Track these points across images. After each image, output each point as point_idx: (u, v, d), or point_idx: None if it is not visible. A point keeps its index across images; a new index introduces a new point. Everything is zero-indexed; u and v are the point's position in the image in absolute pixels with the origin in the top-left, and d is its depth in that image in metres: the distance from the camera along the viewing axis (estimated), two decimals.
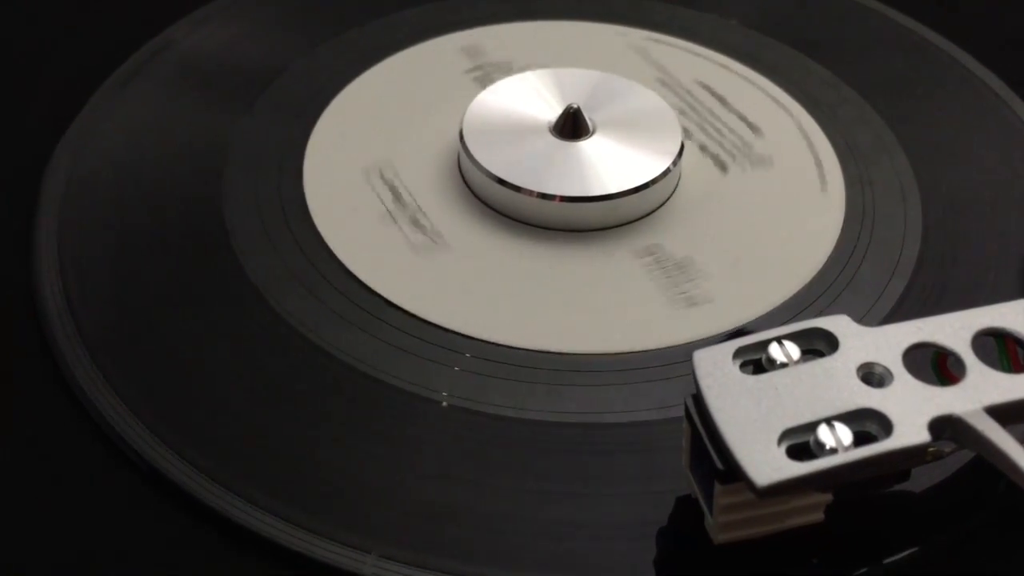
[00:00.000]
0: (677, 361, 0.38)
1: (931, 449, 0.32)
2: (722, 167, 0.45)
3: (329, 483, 0.35)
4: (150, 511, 0.35)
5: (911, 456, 0.31)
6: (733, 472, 0.31)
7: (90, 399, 0.37)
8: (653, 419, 0.37)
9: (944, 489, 0.35)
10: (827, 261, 0.42)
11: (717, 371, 0.32)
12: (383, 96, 0.47)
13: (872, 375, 0.32)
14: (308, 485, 0.35)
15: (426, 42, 0.50)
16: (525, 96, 0.45)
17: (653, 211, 0.43)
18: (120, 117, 0.46)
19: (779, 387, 0.32)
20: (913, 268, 0.42)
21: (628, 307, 0.40)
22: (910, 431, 0.31)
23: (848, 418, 0.31)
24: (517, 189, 0.42)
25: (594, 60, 0.48)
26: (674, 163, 0.43)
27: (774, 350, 0.33)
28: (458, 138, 0.44)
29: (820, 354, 0.33)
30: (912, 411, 0.31)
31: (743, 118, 0.47)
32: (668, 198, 0.44)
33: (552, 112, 0.44)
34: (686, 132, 0.44)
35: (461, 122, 0.44)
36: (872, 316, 0.40)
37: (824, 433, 0.31)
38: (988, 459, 0.31)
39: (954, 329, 0.33)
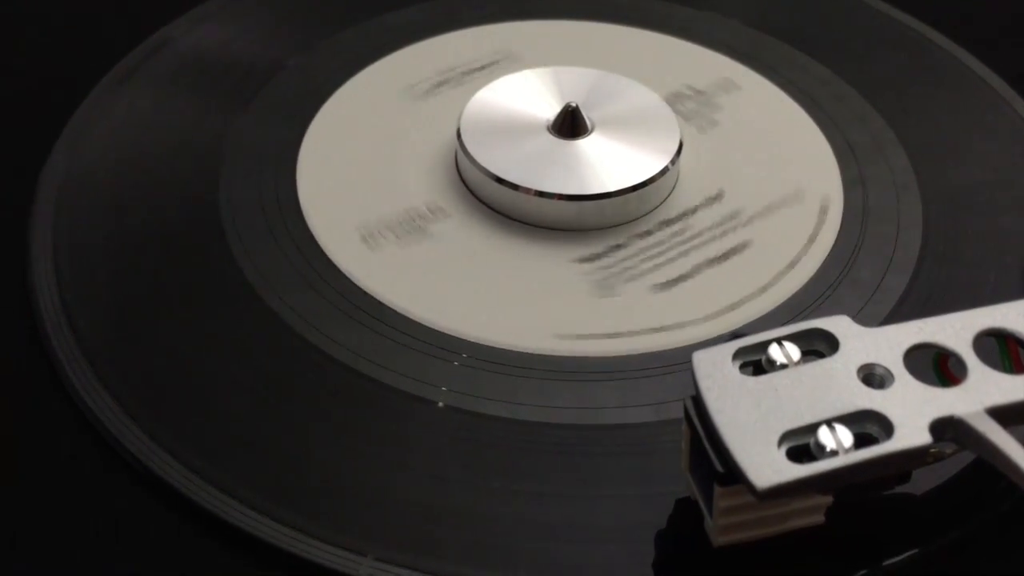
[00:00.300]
0: (675, 363, 0.38)
1: (932, 451, 0.32)
2: (720, 166, 0.45)
3: (324, 485, 0.35)
4: (144, 513, 0.35)
5: (912, 458, 0.31)
6: (733, 474, 0.31)
7: (84, 399, 0.37)
8: (651, 420, 0.37)
9: (945, 491, 0.35)
10: (826, 260, 0.42)
11: (717, 372, 0.32)
12: (379, 94, 0.47)
13: (873, 376, 0.32)
14: (303, 487, 0.35)
15: (422, 41, 0.49)
16: (523, 94, 0.45)
17: (652, 210, 0.43)
18: (117, 115, 0.46)
19: (779, 388, 0.32)
20: (913, 267, 0.42)
21: (625, 308, 0.40)
22: (911, 433, 0.31)
23: (849, 420, 0.31)
24: (515, 187, 0.42)
25: (593, 59, 0.48)
26: (672, 161, 0.43)
27: (774, 351, 0.32)
28: (456, 136, 0.43)
29: (820, 355, 0.33)
30: (913, 412, 0.31)
31: (742, 116, 0.47)
32: (667, 197, 0.43)
33: (550, 110, 0.44)
34: (684, 131, 0.44)
35: (459, 120, 0.44)
36: (872, 316, 0.40)
37: (824, 435, 0.31)
38: (989, 461, 0.31)
39: (955, 330, 0.33)
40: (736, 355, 0.32)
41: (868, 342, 0.33)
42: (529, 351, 0.39)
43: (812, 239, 0.42)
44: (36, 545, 0.34)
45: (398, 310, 0.40)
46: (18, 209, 0.43)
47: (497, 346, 0.39)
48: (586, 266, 0.41)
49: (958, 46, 0.51)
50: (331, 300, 0.40)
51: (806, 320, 0.34)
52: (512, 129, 0.44)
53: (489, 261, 0.41)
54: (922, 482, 0.35)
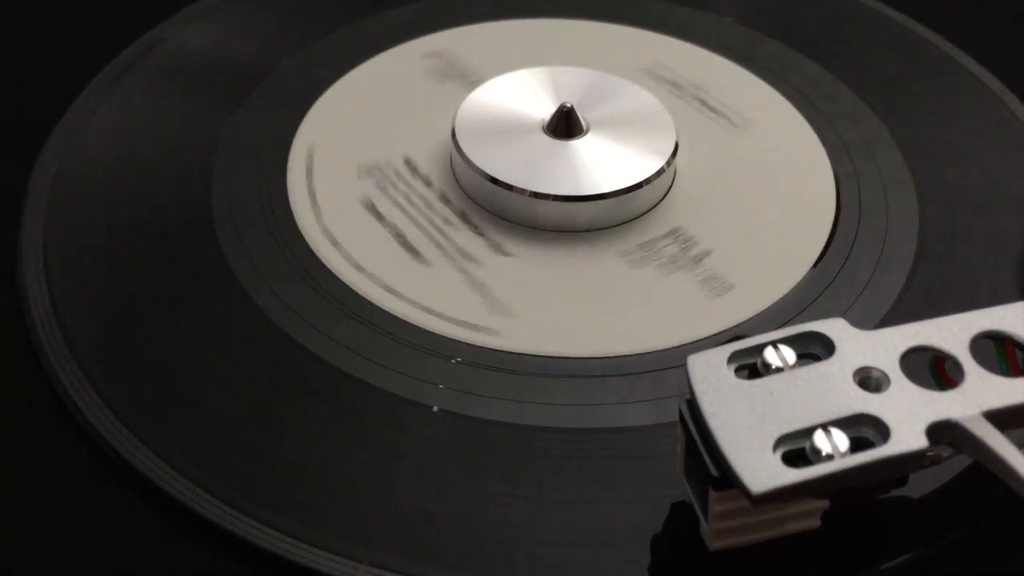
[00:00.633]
0: (673, 364, 0.38)
1: (929, 454, 0.31)
2: (716, 167, 0.45)
3: (319, 490, 0.35)
4: (137, 519, 0.35)
5: (909, 462, 0.31)
6: (728, 479, 0.30)
7: (75, 402, 0.37)
8: (648, 423, 0.37)
9: (942, 494, 0.35)
10: (822, 261, 0.42)
11: (712, 376, 0.32)
12: (372, 94, 0.47)
13: (869, 379, 0.32)
14: (297, 492, 0.35)
15: (416, 40, 0.49)
16: (518, 94, 0.45)
17: (647, 211, 0.43)
18: (108, 115, 0.46)
19: (774, 392, 0.31)
20: (909, 268, 0.42)
21: (622, 309, 0.40)
22: (908, 437, 0.30)
23: (845, 423, 0.31)
24: (509, 188, 0.42)
25: (588, 58, 0.48)
26: (668, 163, 0.43)
27: (769, 354, 0.32)
28: (450, 136, 0.43)
29: (816, 358, 0.32)
30: (910, 416, 0.31)
31: (738, 116, 0.47)
32: (662, 198, 0.43)
33: (545, 111, 0.44)
34: (680, 131, 0.44)
35: (453, 120, 0.44)
36: (868, 317, 0.40)
37: (820, 439, 0.31)
38: (986, 465, 0.31)
39: (952, 332, 0.33)
40: (731, 358, 0.32)
41: (864, 345, 0.32)
42: (524, 353, 0.38)
43: (807, 239, 0.42)
44: (25, 547, 0.34)
45: (391, 312, 0.39)
46: (9, 208, 0.42)
47: (492, 349, 0.39)
48: (582, 266, 0.41)
49: (953, 45, 0.50)
50: (323, 302, 0.40)
51: (802, 323, 0.33)
52: (507, 129, 0.43)
53: (483, 262, 0.41)
54: (919, 485, 0.35)
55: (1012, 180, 0.45)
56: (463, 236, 0.42)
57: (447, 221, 0.42)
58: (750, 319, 0.40)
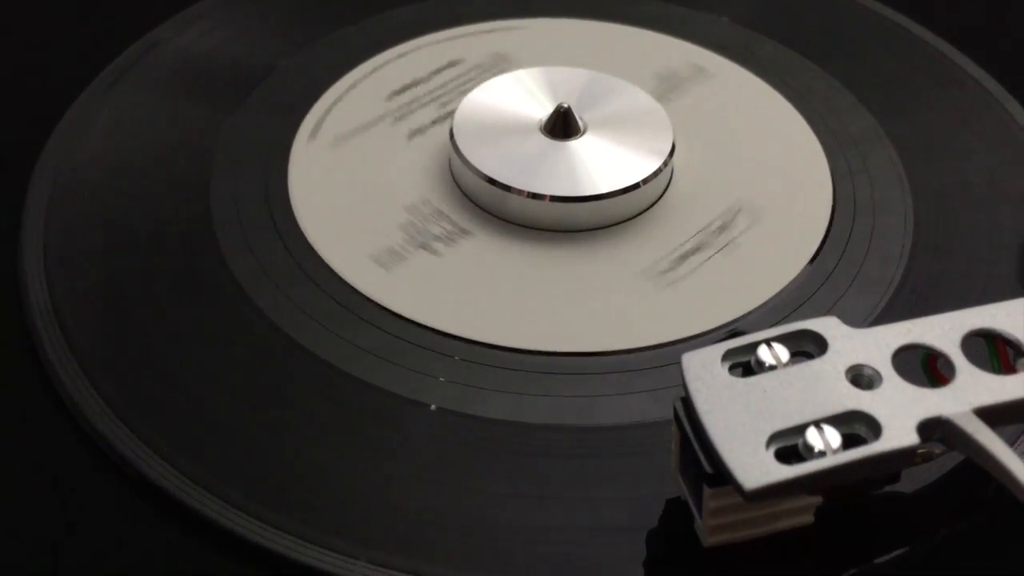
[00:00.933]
0: (669, 363, 0.38)
1: (920, 451, 0.32)
2: (712, 167, 0.45)
3: (316, 487, 0.35)
4: (134, 516, 0.35)
5: (900, 458, 0.31)
6: (722, 475, 0.31)
7: (75, 401, 0.37)
8: (644, 421, 0.37)
9: (934, 490, 0.35)
10: (817, 258, 0.42)
11: (706, 374, 0.32)
12: (370, 95, 0.47)
13: (861, 377, 0.32)
14: (295, 489, 0.35)
15: (414, 40, 0.49)
16: (516, 95, 0.45)
17: (644, 211, 0.43)
18: (107, 117, 0.46)
19: (767, 390, 0.32)
20: (904, 265, 0.42)
21: (619, 307, 0.40)
22: (899, 433, 0.31)
23: (837, 420, 0.31)
24: (507, 189, 0.42)
25: (586, 58, 0.48)
26: (665, 163, 0.43)
27: (763, 352, 0.32)
28: (448, 137, 0.43)
29: (809, 356, 0.33)
30: (901, 413, 0.31)
31: (733, 115, 0.47)
32: (659, 197, 0.43)
33: (543, 111, 0.44)
34: (677, 130, 0.44)
35: (451, 121, 0.44)
36: (862, 314, 0.40)
37: (812, 436, 0.31)
38: (976, 461, 0.31)
39: (944, 330, 0.33)
40: (725, 356, 0.33)
41: (857, 343, 0.33)
42: (522, 351, 0.39)
43: (803, 235, 0.42)
44: (25, 548, 0.34)
45: (390, 310, 0.40)
46: (9, 210, 0.43)
47: (490, 346, 0.39)
48: (578, 266, 0.41)
49: (948, 44, 0.51)
50: (323, 301, 0.40)
51: (795, 321, 0.34)
52: (504, 130, 0.44)
53: (481, 262, 0.41)
54: (912, 482, 0.35)
55: (1007, 178, 0.45)
56: (462, 236, 0.42)
57: (447, 221, 0.42)
58: (746, 315, 0.40)
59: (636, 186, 0.42)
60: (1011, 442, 0.36)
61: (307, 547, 0.34)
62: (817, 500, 0.33)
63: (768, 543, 0.33)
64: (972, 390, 0.32)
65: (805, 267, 0.41)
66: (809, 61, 0.49)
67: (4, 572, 0.34)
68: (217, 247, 0.41)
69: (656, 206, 0.43)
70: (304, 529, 0.34)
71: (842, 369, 0.32)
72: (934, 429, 0.31)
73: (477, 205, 0.43)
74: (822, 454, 0.30)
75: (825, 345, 0.33)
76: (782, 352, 0.33)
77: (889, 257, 0.42)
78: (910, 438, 0.31)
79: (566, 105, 0.43)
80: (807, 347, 0.33)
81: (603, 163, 0.43)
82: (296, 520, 0.34)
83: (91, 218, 0.42)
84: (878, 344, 0.33)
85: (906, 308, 0.40)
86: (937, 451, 0.33)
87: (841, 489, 0.32)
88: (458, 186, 0.43)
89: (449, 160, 0.44)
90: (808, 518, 0.33)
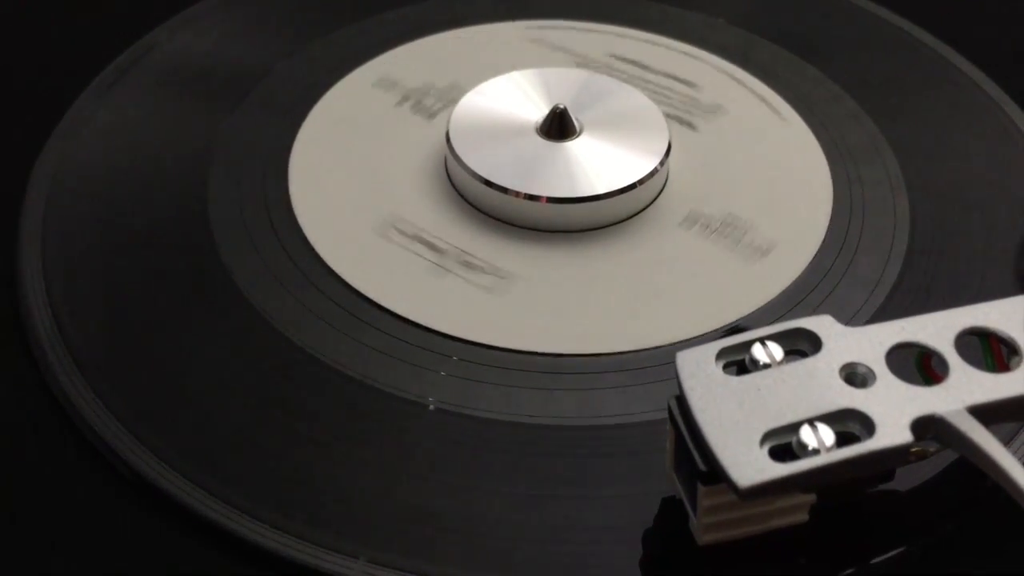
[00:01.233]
0: (666, 362, 0.38)
1: (914, 449, 0.32)
2: (710, 167, 0.45)
3: (315, 487, 0.35)
4: (134, 517, 0.35)
5: (894, 456, 0.31)
6: (716, 473, 0.31)
7: (74, 404, 0.37)
8: (641, 421, 0.37)
9: (930, 488, 0.35)
10: (814, 259, 0.42)
11: (700, 372, 0.32)
12: (369, 97, 0.47)
13: (855, 375, 0.32)
14: (294, 489, 0.35)
15: (413, 42, 0.49)
16: (512, 97, 0.45)
17: (641, 211, 0.43)
18: (105, 118, 0.46)
19: (762, 388, 0.32)
20: (901, 266, 0.42)
21: (616, 308, 0.40)
22: (892, 431, 0.31)
23: (830, 419, 0.31)
24: (504, 190, 0.42)
25: (583, 60, 0.48)
26: (662, 163, 0.43)
27: (757, 351, 0.33)
28: (445, 139, 0.43)
29: (803, 354, 0.33)
30: (895, 411, 0.31)
31: (731, 117, 0.47)
32: (656, 198, 0.44)
33: (539, 113, 0.44)
34: (673, 131, 0.44)
35: (447, 123, 0.44)
36: (860, 314, 0.40)
37: (806, 434, 0.31)
38: (970, 459, 0.31)
39: (937, 329, 0.33)
40: (720, 355, 0.33)
41: (851, 341, 0.33)
42: (519, 352, 0.39)
43: (801, 237, 0.42)
44: (25, 552, 0.34)
45: (390, 310, 0.40)
46: (8, 211, 0.43)
47: (488, 347, 0.39)
48: (574, 267, 0.41)
49: (946, 45, 0.51)
50: (322, 302, 0.40)
51: (790, 319, 0.34)
52: (501, 132, 0.44)
53: (478, 263, 0.41)
54: (908, 480, 0.35)
55: (1005, 180, 0.45)
56: (460, 237, 0.42)
57: (444, 222, 0.43)
58: (745, 316, 0.40)
59: (633, 186, 0.42)
60: (1007, 441, 0.36)
61: (306, 547, 0.34)
62: (811, 498, 0.33)
63: (762, 542, 0.33)
64: (966, 388, 0.32)
65: (804, 268, 0.41)
66: (806, 62, 0.49)
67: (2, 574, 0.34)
68: (215, 248, 0.41)
69: (653, 206, 0.43)
70: (303, 529, 0.34)
71: (836, 367, 0.32)
72: (928, 427, 0.31)
73: (474, 206, 0.43)
74: (816, 452, 0.31)
75: (819, 343, 0.33)
76: (776, 350, 0.33)
77: (886, 258, 0.42)
78: (903, 436, 0.31)
79: (562, 106, 0.43)
80: (801, 345, 0.33)
81: (600, 164, 0.43)
82: (295, 520, 0.34)
83: (89, 219, 0.43)
84: (872, 342, 0.33)
85: (903, 310, 0.40)
86: (931, 449, 0.33)
87: (835, 487, 0.32)
88: (455, 188, 0.43)
89: (446, 162, 0.44)
90: (802, 516, 0.33)
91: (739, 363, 0.33)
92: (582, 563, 0.34)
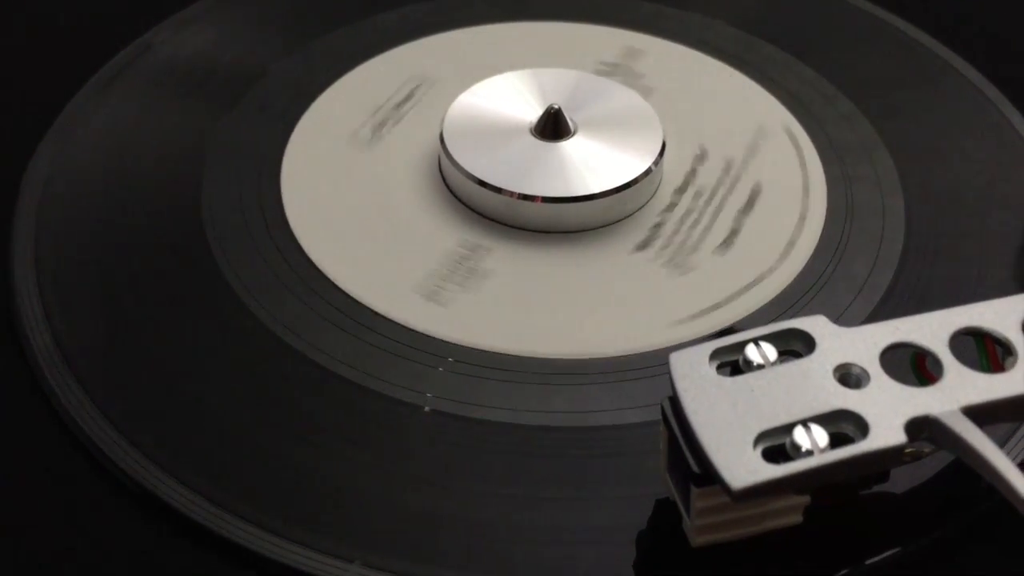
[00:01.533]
0: (662, 363, 0.38)
1: (909, 450, 0.32)
2: (704, 167, 0.45)
3: (310, 490, 0.35)
4: (127, 521, 0.35)
5: (888, 457, 0.31)
6: (709, 475, 0.31)
7: (66, 408, 0.37)
8: (635, 422, 0.37)
9: (926, 489, 0.35)
10: (810, 260, 0.42)
11: (693, 373, 0.32)
12: (363, 99, 0.47)
13: (849, 376, 0.32)
14: (288, 493, 0.35)
15: (407, 44, 0.49)
16: (506, 97, 0.45)
17: (636, 211, 0.43)
18: (100, 120, 0.46)
19: (755, 389, 0.32)
20: (896, 266, 0.42)
21: (612, 309, 0.40)
22: (886, 432, 0.31)
23: (824, 419, 0.31)
24: (498, 190, 0.42)
25: (580, 61, 0.48)
26: (656, 162, 0.43)
27: (751, 351, 0.32)
28: (439, 140, 0.43)
29: (797, 355, 0.33)
30: (888, 412, 0.31)
31: (726, 117, 0.47)
32: (650, 198, 0.43)
33: (533, 113, 0.44)
34: (668, 131, 0.44)
35: (441, 124, 0.44)
36: (855, 315, 0.40)
37: (800, 435, 0.31)
38: (964, 460, 0.31)
39: (932, 329, 0.33)
40: (713, 356, 0.33)
41: (845, 342, 0.33)
42: (514, 354, 0.39)
43: (796, 238, 0.42)
44: (21, 559, 0.34)
45: (383, 314, 0.40)
46: (0, 213, 0.43)
47: (482, 350, 0.39)
48: (569, 268, 0.41)
49: (944, 46, 0.50)
50: (315, 305, 0.40)
51: (785, 320, 0.34)
52: (495, 132, 0.44)
53: (473, 265, 0.41)
54: (903, 481, 0.35)
55: (1001, 180, 0.45)
56: (454, 238, 0.42)
57: (438, 223, 0.42)
58: (740, 319, 0.40)
59: (627, 186, 0.42)
60: (1002, 442, 0.36)
61: (302, 551, 0.34)
62: (805, 500, 0.33)
63: (757, 543, 0.33)
64: (960, 389, 0.32)
65: (798, 270, 0.41)
66: (802, 63, 0.49)
67: None
68: (209, 250, 0.41)
69: (647, 207, 0.43)
70: (299, 533, 0.34)
71: (830, 368, 0.32)
72: (922, 428, 0.31)
73: (468, 207, 0.43)
74: (809, 453, 0.30)
75: (813, 344, 0.33)
76: (770, 351, 0.32)
77: (882, 260, 0.42)
78: (897, 437, 0.31)
79: (556, 106, 0.43)
80: (795, 346, 0.33)
81: (594, 164, 0.43)
82: (291, 524, 0.34)
83: (83, 221, 0.43)
84: (866, 343, 0.33)
85: (898, 311, 0.40)
86: (926, 450, 0.33)
87: (829, 489, 0.32)
88: (449, 188, 0.43)
89: (440, 162, 0.44)
90: (797, 518, 0.33)
91: (733, 364, 0.33)
92: (576, 565, 0.34)
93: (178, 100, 0.47)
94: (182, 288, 0.40)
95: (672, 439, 0.32)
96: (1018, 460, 0.36)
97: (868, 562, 0.34)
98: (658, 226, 0.43)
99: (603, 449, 0.36)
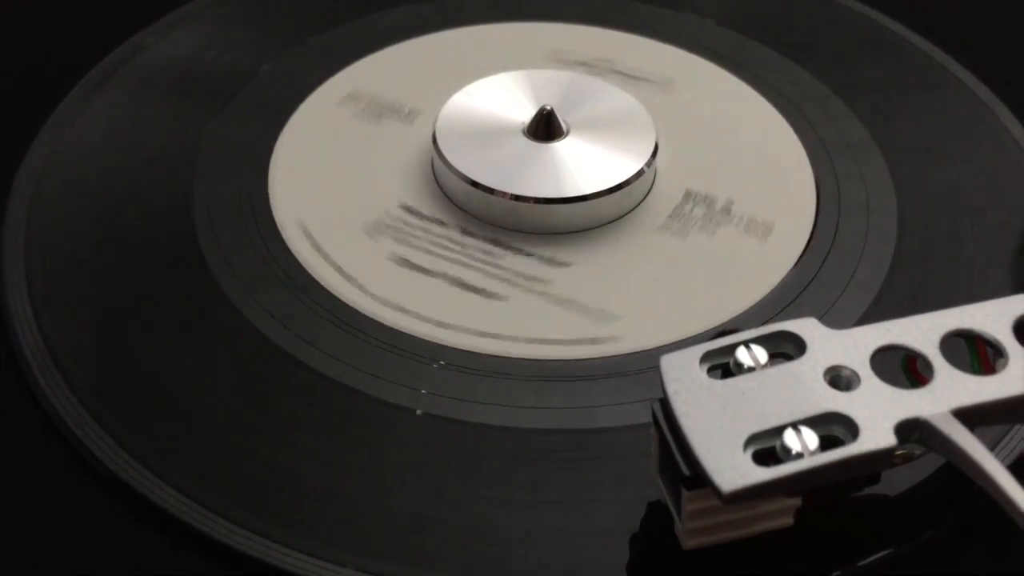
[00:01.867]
0: (653, 365, 0.38)
1: (899, 452, 0.32)
2: (696, 167, 0.45)
3: (302, 494, 0.35)
4: (120, 525, 0.35)
5: (878, 460, 0.31)
6: (700, 478, 0.31)
7: (58, 412, 0.37)
8: (628, 424, 0.37)
9: (917, 491, 0.35)
10: (800, 261, 0.42)
11: (684, 376, 0.32)
12: (356, 99, 0.47)
13: (839, 378, 0.32)
14: (280, 496, 0.35)
15: (399, 44, 0.49)
16: (498, 98, 0.45)
17: (628, 212, 0.43)
18: (91, 121, 0.46)
19: (746, 391, 0.32)
20: (889, 268, 0.42)
21: (606, 309, 0.40)
22: (876, 435, 0.31)
23: (814, 422, 0.31)
24: (491, 191, 0.42)
25: (572, 62, 0.48)
26: (648, 163, 0.43)
27: (741, 354, 0.32)
28: (431, 140, 0.43)
29: (788, 357, 0.33)
30: (879, 414, 0.31)
31: (718, 118, 0.47)
32: (643, 199, 0.43)
33: (525, 114, 0.44)
34: (660, 132, 0.44)
35: (434, 124, 0.44)
36: (847, 316, 0.40)
37: (790, 438, 0.31)
38: (954, 463, 0.31)
39: (922, 331, 0.33)
40: (704, 358, 0.32)
41: (835, 344, 0.33)
42: (508, 357, 0.39)
43: (787, 240, 0.42)
44: (11, 561, 0.34)
45: (374, 316, 0.39)
46: None
47: (474, 352, 0.39)
48: (563, 270, 0.41)
49: (937, 48, 0.50)
50: (305, 306, 0.40)
51: (775, 322, 0.34)
52: (487, 133, 0.44)
53: (467, 266, 0.41)
54: (895, 483, 0.35)
55: (994, 182, 0.45)
56: (446, 239, 0.42)
57: (431, 225, 0.42)
58: (731, 319, 0.40)
59: (620, 187, 0.42)
60: (993, 445, 0.36)
61: (294, 555, 0.34)
62: (796, 502, 0.33)
63: (748, 546, 0.33)
64: (950, 391, 0.32)
65: (790, 270, 0.41)
66: (794, 64, 0.49)
67: None
68: (199, 251, 0.41)
69: (640, 208, 0.43)
70: (291, 536, 0.34)
71: (820, 370, 0.32)
72: (912, 430, 0.31)
73: (461, 208, 0.43)
74: (800, 456, 0.30)
75: (804, 346, 0.33)
76: (760, 354, 0.32)
77: (875, 261, 0.42)
78: (887, 439, 0.31)
79: (549, 107, 0.43)
80: (786, 348, 0.33)
81: (587, 164, 0.43)
82: (283, 527, 0.34)
83: (74, 221, 0.42)
84: (856, 345, 0.33)
85: (891, 312, 0.40)
86: (917, 452, 0.33)
87: (820, 491, 0.32)
88: (441, 189, 0.43)
89: (432, 163, 0.44)
90: (788, 520, 0.33)
91: (724, 366, 0.33)
92: (569, 567, 0.34)
93: (169, 100, 0.47)
94: (171, 288, 0.40)
95: (663, 442, 0.32)
96: (1007, 463, 0.35)
97: (859, 564, 0.34)
98: (650, 228, 0.43)
99: (594, 452, 0.36)
